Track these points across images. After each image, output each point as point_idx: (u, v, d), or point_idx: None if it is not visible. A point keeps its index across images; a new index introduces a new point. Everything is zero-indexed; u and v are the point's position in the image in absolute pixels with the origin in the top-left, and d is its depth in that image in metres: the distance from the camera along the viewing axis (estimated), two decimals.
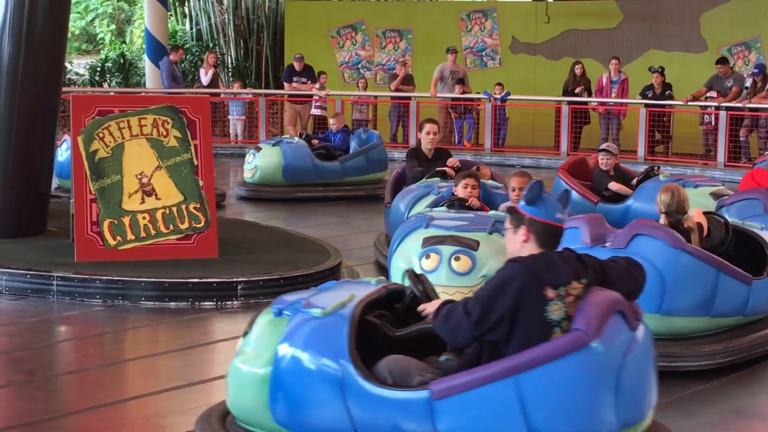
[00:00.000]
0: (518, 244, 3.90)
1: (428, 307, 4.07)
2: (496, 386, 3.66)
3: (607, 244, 5.73)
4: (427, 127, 9.14)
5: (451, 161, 8.90)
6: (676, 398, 5.32)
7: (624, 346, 3.79)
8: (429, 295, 4.22)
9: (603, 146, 9.93)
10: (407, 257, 6.20)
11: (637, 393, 3.87)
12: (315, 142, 12.73)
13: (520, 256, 3.86)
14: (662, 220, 6.04)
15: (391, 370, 3.93)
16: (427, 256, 6.06)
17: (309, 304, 4.18)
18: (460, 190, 7.40)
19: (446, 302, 3.98)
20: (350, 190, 12.36)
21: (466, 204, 7.27)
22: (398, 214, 8.07)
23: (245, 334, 4.30)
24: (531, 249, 3.87)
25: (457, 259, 6.02)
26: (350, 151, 12.51)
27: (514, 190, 7.15)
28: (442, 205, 7.18)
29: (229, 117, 18.27)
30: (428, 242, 6.13)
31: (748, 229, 6.49)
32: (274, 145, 12.38)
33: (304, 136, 12.96)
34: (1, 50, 8.41)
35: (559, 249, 3.92)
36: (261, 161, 12.18)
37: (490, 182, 8.24)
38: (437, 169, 8.70)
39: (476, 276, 5.97)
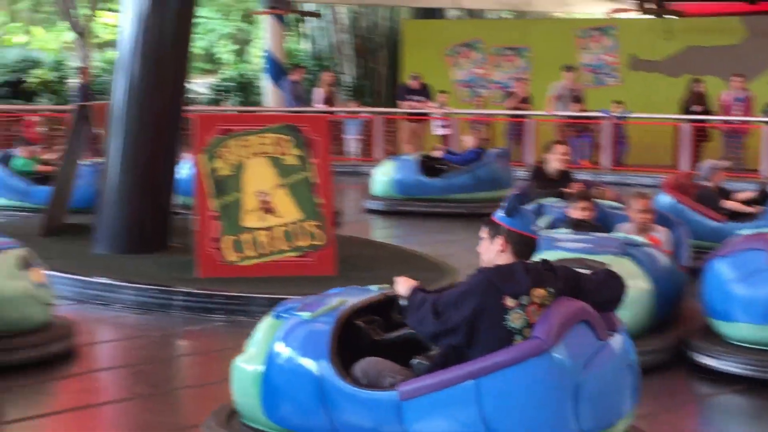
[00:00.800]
0: (494, 253, 4.06)
1: (399, 284, 4.29)
2: (458, 389, 3.83)
3: None
4: (561, 148, 9.28)
5: (577, 186, 8.67)
6: None
7: (587, 355, 3.88)
8: None
9: (721, 163, 9.73)
10: None
11: (603, 401, 3.94)
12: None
13: (485, 267, 4.04)
14: None
15: (365, 371, 4.15)
16: None
17: (303, 308, 4.44)
18: (575, 212, 7.29)
19: (418, 289, 4.17)
20: (452, 207, 12.41)
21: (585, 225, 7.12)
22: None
23: (250, 336, 4.55)
24: (506, 258, 4.02)
25: None
26: None
27: (639, 211, 7.07)
28: (563, 227, 7.05)
29: (345, 136, 18.41)
30: None
31: None
32: (395, 160, 13.08)
33: (443, 153, 13.30)
34: (133, 68, 8.66)
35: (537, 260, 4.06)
36: (379, 175, 12.75)
37: (608, 202, 8.10)
38: (560, 190, 8.65)
39: None
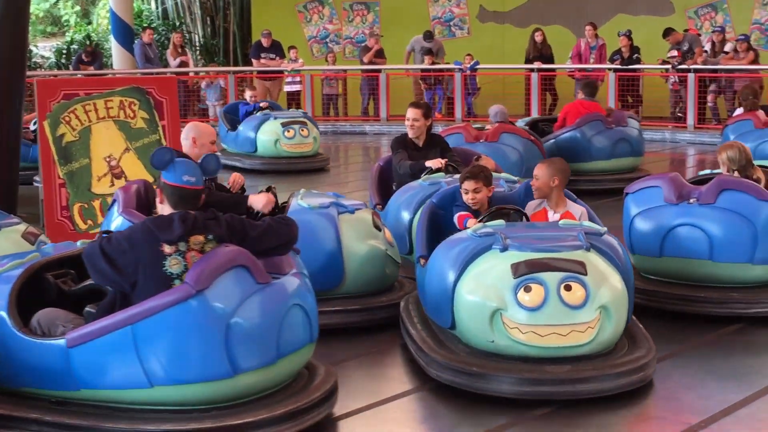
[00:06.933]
0: (159, 204, 4.34)
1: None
2: (117, 334, 4.06)
3: (692, 201, 6.00)
4: (407, 113, 7.62)
5: (434, 163, 7.34)
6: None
7: (241, 298, 4.09)
8: None
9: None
10: (493, 292, 4.77)
11: (262, 340, 4.17)
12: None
13: (149, 217, 4.35)
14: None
15: (40, 321, 4.34)
16: (527, 289, 4.68)
17: None
18: (466, 198, 5.82)
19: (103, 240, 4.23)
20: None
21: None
22: (398, 218, 6.85)
23: None
24: (166, 209, 4.28)
25: (568, 288, 4.68)
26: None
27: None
28: (492, 216, 5.54)
29: (208, 103, 18.14)
30: (521, 269, 4.74)
31: None
32: None
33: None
34: None
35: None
36: None
37: (503, 175, 6.71)
38: (427, 163, 7.35)
39: (592, 308, 4.68)
